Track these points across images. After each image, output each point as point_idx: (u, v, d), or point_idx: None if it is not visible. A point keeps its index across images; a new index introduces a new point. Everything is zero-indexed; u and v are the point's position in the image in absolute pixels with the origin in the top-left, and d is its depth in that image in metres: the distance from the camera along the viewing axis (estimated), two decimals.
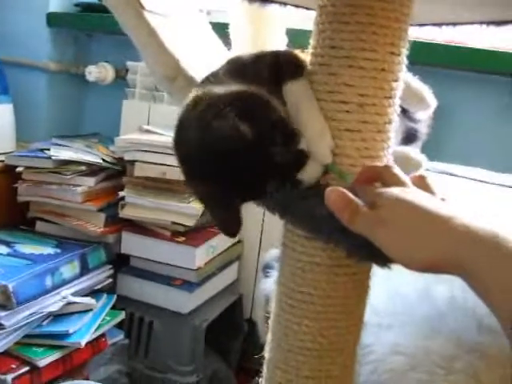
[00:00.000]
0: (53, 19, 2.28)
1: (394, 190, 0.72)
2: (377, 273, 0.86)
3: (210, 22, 1.07)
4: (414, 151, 0.94)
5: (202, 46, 0.97)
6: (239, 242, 2.09)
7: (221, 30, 1.05)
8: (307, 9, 0.95)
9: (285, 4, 0.93)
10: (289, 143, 0.73)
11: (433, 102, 0.96)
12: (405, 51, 0.83)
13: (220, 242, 1.96)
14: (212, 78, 0.79)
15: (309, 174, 0.77)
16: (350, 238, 0.74)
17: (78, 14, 2.35)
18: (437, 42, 1.74)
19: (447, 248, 0.65)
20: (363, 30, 0.79)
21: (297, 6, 0.95)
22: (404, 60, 0.84)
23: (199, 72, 0.85)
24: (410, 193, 0.72)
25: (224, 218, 0.80)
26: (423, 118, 0.99)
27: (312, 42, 0.85)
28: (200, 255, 1.84)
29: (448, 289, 1.07)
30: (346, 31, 0.80)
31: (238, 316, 2.09)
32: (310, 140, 0.75)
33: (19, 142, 2.13)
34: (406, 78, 0.85)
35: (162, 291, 1.85)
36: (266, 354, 0.96)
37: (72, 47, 2.35)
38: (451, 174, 1.36)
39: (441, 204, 0.70)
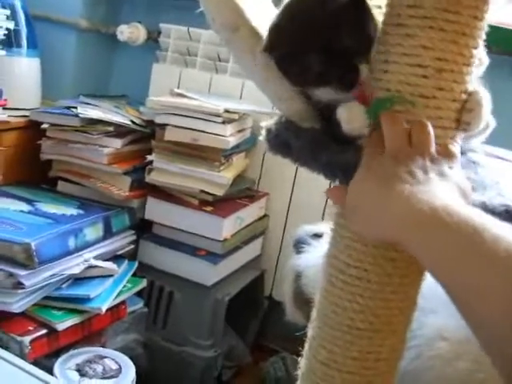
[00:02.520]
0: None
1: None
2: None
3: None
4: None
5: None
6: (265, 216, 2.03)
7: None
8: None
9: None
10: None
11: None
12: (487, 17, 0.77)
13: (248, 214, 1.91)
14: None
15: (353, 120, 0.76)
16: None
17: None
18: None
19: (386, 232, 0.70)
20: None
21: None
22: (485, 27, 0.78)
23: (262, 25, 0.80)
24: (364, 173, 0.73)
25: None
26: None
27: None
28: (227, 226, 1.79)
29: None
30: None
31: (258, 292, 2.05)
32: None
33: (44, 100, 2.06)
34: None
35: (185, 261, 1.80)
36: (310, 331, 0.91)
37: (104, 5, 2.27)
38: (498, 157, 1.33)
39: (391, 179, 0.69)
